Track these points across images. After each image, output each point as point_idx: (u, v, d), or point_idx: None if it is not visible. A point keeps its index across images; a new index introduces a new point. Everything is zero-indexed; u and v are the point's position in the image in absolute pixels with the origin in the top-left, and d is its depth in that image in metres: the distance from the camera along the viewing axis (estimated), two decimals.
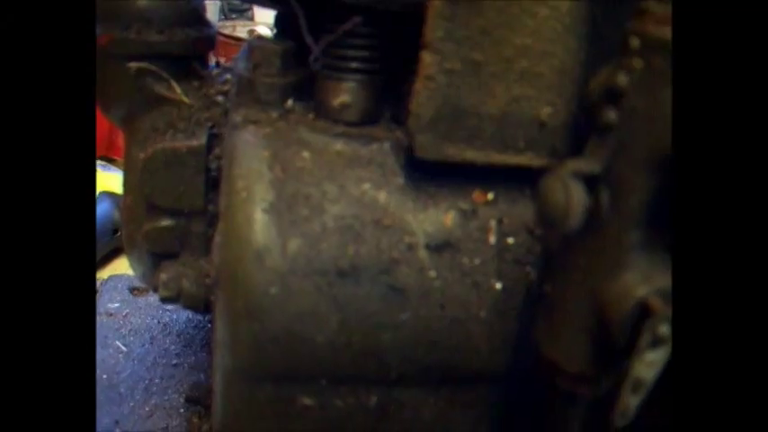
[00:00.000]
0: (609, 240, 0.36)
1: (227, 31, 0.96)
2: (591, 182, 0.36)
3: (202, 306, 0.51)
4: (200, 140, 0.48)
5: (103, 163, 0.93)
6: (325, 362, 0.44)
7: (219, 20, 1.09)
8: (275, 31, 0.52)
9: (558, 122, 0.43)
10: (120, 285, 0.74)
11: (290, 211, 0.42)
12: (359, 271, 0.42)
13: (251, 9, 1.13)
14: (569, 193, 0.35)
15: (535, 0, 0.40)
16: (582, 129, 0.42)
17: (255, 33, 0.98)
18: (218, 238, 0.45)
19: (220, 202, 0.45)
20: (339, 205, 0.43)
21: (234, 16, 1.13)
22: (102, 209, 0.83)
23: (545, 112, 0.42)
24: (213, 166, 0.49)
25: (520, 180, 0.45)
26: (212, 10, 1.00)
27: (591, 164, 0.36)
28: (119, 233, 0.83)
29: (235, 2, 1.12)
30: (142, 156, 0.48)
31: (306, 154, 0.43)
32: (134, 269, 0.55)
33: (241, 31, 1.00)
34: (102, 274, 0.82)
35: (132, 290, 0.73)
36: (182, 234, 0.50)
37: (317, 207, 0.42)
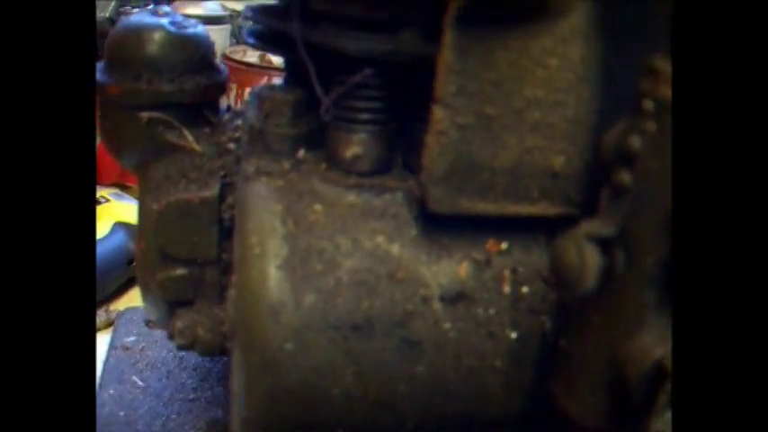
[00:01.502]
0: (625, 300, 0.36)
1: (237, 57, 0.96)
2: (606, 243, 0.36)
3: (217, 353, 0.51)
4: (212, 191, 0.48)
5: (117, 191, 0.93)
6: (341, 413, 0.44)
7: (230, 44, 1.09)
8: (285, 74, 0.52)
9: (572, 171, 0.42)
10: (135, 318, 0.75)
11: (303, 267, 0.42)
12: (373, 325, 0.42)
13: None
14: (584, 256, 0.35)
15: (546, 51, 0.40)
16: (596, 177, 0.42)
17: (266, 58, 0.98)
18: (232, 292, 0.45)
19: (234, 256, 0.45)
20: (353, 259, 0.42)
21: (244, 40, 1.13)
22: (117, 240, 0.83)
23: (558, 161, 0.42)
24: (226, 215, 0.49)
25: (534, 228, 0.44)
26: (222, 35, 1.00)
27: (605, 226, 0.35)
28: (133, 263, 0.83)
29: (245, 25, 1.12)
30: (156, 207, 0.48)
31: (318, 207, 0.43)
32: (149, 314, 0.55)
33: (252, 55, 0.99)
34: (118, 305, 0.83)
35: (148, 322, 0.74)
36: (196, 283, 0.50)
37: (331, 261, 0.42)
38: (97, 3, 1.08)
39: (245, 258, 0.42)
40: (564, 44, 0.40)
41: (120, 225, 0.84)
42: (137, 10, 0.94)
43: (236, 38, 1.11)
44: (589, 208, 0.43)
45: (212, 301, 0.51)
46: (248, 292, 0.42)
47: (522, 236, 0.45)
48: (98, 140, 0.93)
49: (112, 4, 1.03)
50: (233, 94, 0.96)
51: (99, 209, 0.88)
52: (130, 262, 0.83)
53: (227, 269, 0.50)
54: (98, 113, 0.52)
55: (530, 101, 0.41)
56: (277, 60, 0.99)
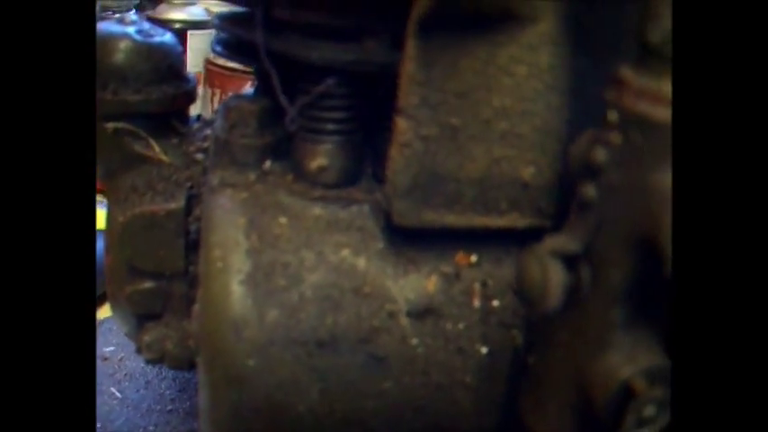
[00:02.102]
0: (591, 318, 0.35)
1: (220, 62, 0.95)
2: (571, 259, 0.35)
3: (187, 367, 0.50)
4: (178, 203, 0.47)
5: (99, 199, 0.92)
6: (307, 430, 0.43)
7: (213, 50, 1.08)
8: (254, 84, 0.51)
9: (542, 182, 0.41)
10: (115, 327, 0.73)
11: (267, 282, 0.41)
12: (338, 341, 0.41)
13: None
14: (547, 274, 0.34)
15: (513, 59, 0.39)
16: (567, 188, 0.41)
17: None
18: (197, 306, 0.44)
19: (199, 269, 0.44)
20: (317, 273, 0.41)
21: None
22: (98, 248, 0.82)
23: (528, 172, 0.41)
24: (193, 228, 0.48)
25: (504, 240, 0.43)
26: (206, 40, 0.99)
27: (570, 242, 0.34)
28: None
29: None
30: (121, 219, 0.47)
31: (283, 220, 0.42)
32: (120, 327, 0.54)
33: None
34: (99, 315, 0.82)
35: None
36: (163, 296, 0.49)
37: (295, 276, 0.41)
38: None
39: (209, 273, 0.41)
40: (532, 52, 0.39)
41: (100, 233, 0.83)
42: (117, 15, 0.93)
43: None
44: (561, 219, 0.42)
45: (181, 315, 0.50)
46: (211, 308, 0.41)
47: (492, 248, 0.43)
48: None
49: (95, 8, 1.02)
50: (216, 99, 0.95)
51: None
52: None
53: (194, 282, 0.49)
54: None
55: (497, 110, 0.40)
56: None
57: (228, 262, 0.41)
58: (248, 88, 0.89)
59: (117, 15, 0.93)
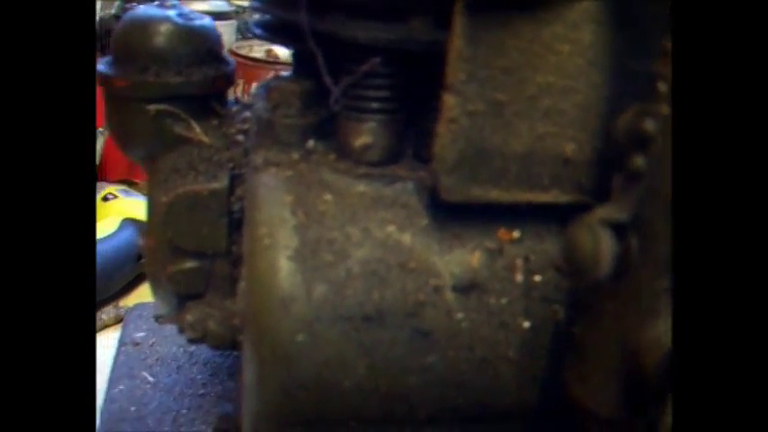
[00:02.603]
0: (639, 287, 0.36)
1: (243, 52, 0.95)
2: (619, 229, 0.35)
3: (229, 346, 0.51)
4: (221, 183, 0.48)
5: (124, 188, 0.93)
6: (353, 405, 0.44)
7: (236, 40, 1.08)
8: (293, 65, 0.52)
9: (583, 158, 0.42)
10: (145, 313, 0.75)
11: (314, 257, 0.42)
12: (385, 316, 0.42)
13: None
14: (598, 242, 0.35)
15: (557, 37, 0.40)
16: (607, 164, 0.42)
17: (272, 53, 0.97)
18: (242, 284, 0.45)
19: (244, 247, 0.44)
20: (363, 249, 0.42)
21: (250, 36, 1.12)
22: (126, 236, 0.83)
23: (569, 148, 0.42)
24: (236, 207, 0.48)
25: (546, 216, 0.44)
26: (229, 30, 1.00)
27: (619, 211, 0.35)
28: (142, 260, 0.83)
29: (251, 21, 1.11)
30: (164, 200, 0.48)
31: (328, 197, 0.43)
32: (160, 308, 0.55)
33: (258, 50, 0.99)
34: (128, 302, 0.83)
35: (158, 318, 0.74)
36: (206, 275, 0.50)
37: (342, 252, 0.42)
38: (103, 0, 1.08)
39: (255, 250, 0.42)
40: (575, 30, 0.40)
41: (128, 221, 0.84)
42: (143, 6, 0.94)
43: (242, 33, 1.11)
44: (600, 195, 0.42)
45: (223, 294, 0.50)
46: (258, 284, 0.42)
47: (533, 224, 0.44)
48: (106, 137, 0.94)
49: (118, 0, 1.03)
50: (239, 89, 0.96)
51: (107, 205, 0.88)
52: (139, 258, 0.83)
53: (237, 261, 0.50)
54: (105, 107, 0.52)
55: (541, 87, 0.40)
56: (283, 55, 0.99)
57: (275, 238, 0.42)
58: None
59: (142, 6, 0.94)
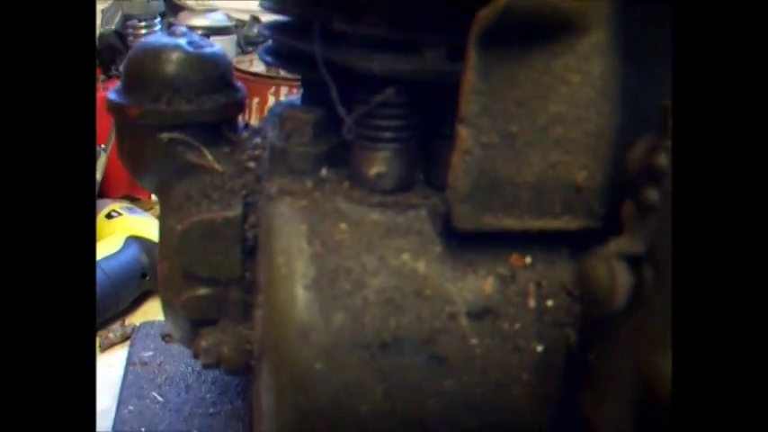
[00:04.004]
0: (653, 317, 0.36)
1: (243, 67, 0.96)
2: (634, 261, 0.36)
3: (242, 371, 0.51)
4: (235, 211, 0.48)
5: (128, 205, 0.93)
6: (370, 430, 0.44)
7: (237, 54, 1.09)
8: (302, 91, 0.53)
9: (594, 185, 0.43)
10: (152, 332, 0.75)
11: (331, 287, 0.42)
12: (401, 342, 0.43)
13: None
14: (614, 275, 0.36)
15: (568, 68, 0.41)
16: (617, 189, 0.42)
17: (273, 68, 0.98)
18: (259, 312, 0.45)
19: (260, 276, 0.45)
20: (379, 278, 0.43)
21: (250, 49, 1.12)
22: (131, 254, 0.83)
23: (581, 176, 0.43)
24: (249, 234, 0.49)
25: (556, 241, 0.45)
26: (229, 45, 1.00)
27: (634, 244, 0.36)
28: (147, 277, 0.84)
29: (251, 35, 1.12)
30: (179, 228, 0.49)
31: (343, 226, 0.44)
32: (173, 333, 0.55)
33: (258, 65, 1.00)
34: (134, 320, 0.83)
35: (164, 336, 0.74)
36: (219, 302, 0.50)
37: (358, 281, 0.43)
38: (103, 15, 1.08)
39: (273, 280, 0.43)
40: (586, 61, 0.41)
41: (132, 239, 0.84)
42: (143, 23, 0.94)
43: (242, 47, 1.11)
44: (610, 220, 0.43)
45: (236, 320, 0.51)
46: (277, 313, 0.42)
47: (544, 249, 0.45)
48: (110, 151, 0.94)
49: (118, 16, 1.03)
50: None
51: (111, 223, 0.88)
52: (144, 275, 0.83)
53: (250, 288, 0.50)
54: (116, 134, 0.52)
55: (553, 117, 0.41)
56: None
57: (293, 268, 0.42)
58: (271, 92, 0.91)
59: (143, 23, 0.94)
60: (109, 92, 0.52)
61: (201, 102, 0.50)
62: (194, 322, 0.51)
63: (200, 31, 1.02)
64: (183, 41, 0.50)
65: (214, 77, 0.51)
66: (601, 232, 0.43)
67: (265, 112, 0.96)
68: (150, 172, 0.51)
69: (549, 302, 0.45)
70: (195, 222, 0.48)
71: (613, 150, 0.42)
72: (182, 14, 1.06)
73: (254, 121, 0.91)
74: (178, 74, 0.49)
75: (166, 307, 0.53)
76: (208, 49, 0.51)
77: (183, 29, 0.52)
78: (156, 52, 0.50)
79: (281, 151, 0.46)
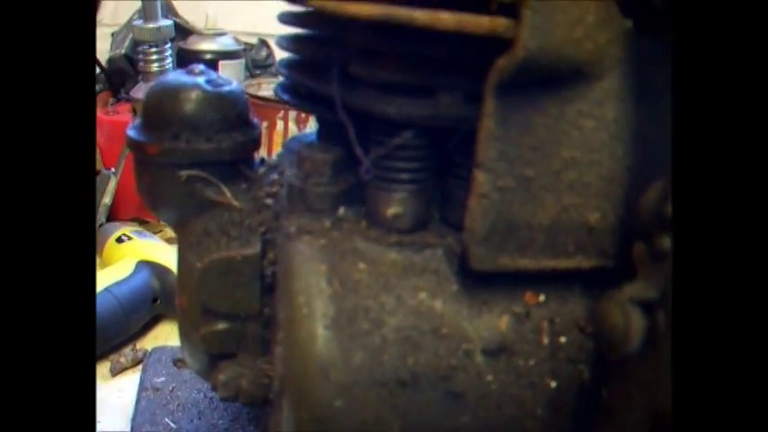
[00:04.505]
0: (666, 358, 0.37)
1: (252, 90, 0.96)
2: (648, 305, 0.37)
3: (260, 404, 0.52)
4: (254, 248, 0.49)
5: (138, 229, 0.94)
6: None
7: (245, 77, 1.10)
8: (318, 129, 0.54)
9: (607, 226, 0.44)
10: (164, 358, 0.76)
11: (350, 326, 0.43)
12: (419, 379, 0.44)
13: (274, 64, 1.15)
14: (629, 320, 0.37)
15: (581, 114, 0.42)
16: (628, 229, 0.44)
17: None
18: (279, 349, 0.46)
19: (280, 314, 0.46)
20: (397, 317, 0.44)
21: (258, 72, 1.14)
22: (141, 278, 0.84)
23: (594, 217, 0.44)
24: (268, 272, 0.50)
25: (569, 280, 0.46)
26: (237, 69, 1.01)
27: (648, 290, 0.37)
28: (158, 301, 0.85)
29: (259, 58, 1.13)
30: (199, 265, 0.50)
31: (362, 265, 0.45)
32: (190, 365, 0.56)
33: (267, 89, 1.01)
34: (145, 344, 0.84)
35: (176, 362, 0.75)
36: (238, 336, 0.51)
37: (377, 320, 0.44)
38: (113, 39, 1.10)
39: (294, 319, 0.44)
40: (599, 106, 0.42)
41: (143, 263, 0.85)
42: (154, 49, 0.95)
43: (250, 71, 1.12)
44: (622, 259, 0.44)
45: (255, 354, 0.52)
46: (298, 352, 0.43)
47: (557, 287, 0.46)
48: (121, 172, 0.95)
49: (128, 40, 1.04)
50: None
51: (122, 247, 0.89)
52: (155, 300, 0.84)
53: (268, 323, 0.51)
54: (135, 170, 0.53)
55: (566, 161, 0.42)
56: None
57: (313, 307, 0.43)
58: (280, 117, 0.92)
59: (154, 49, 0.95)
60: (128, 128, 0.53)
61: (220, 140, 0.50)
62: (213, 356, 0.52)
63: (209, 56, 1.03)
64: (201, 80, 0.51)
65: (232, 116, 0.52)
66: (612, 271, 0.44)
67: (274, 136, 0.98)
68: (169, 208, 0.52)
69: (563, 339, 0.46)
70: (215, 260, 0.49)
71: (625, 191, 0.43)
72: (191, 38, 1.07)
73: (261, 145, 0.92)
74: (197, 113, 0.50)
75: (184, 340, 0.54)
76: (226, 88, 0.52)
77: (201, 67, 0.53)
78: (175, 91, 0.51)
79: (299, 191, 0.47)
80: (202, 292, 0.50)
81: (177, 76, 0.53)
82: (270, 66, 1.13)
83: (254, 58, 1.13)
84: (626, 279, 0.40)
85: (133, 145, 0.52)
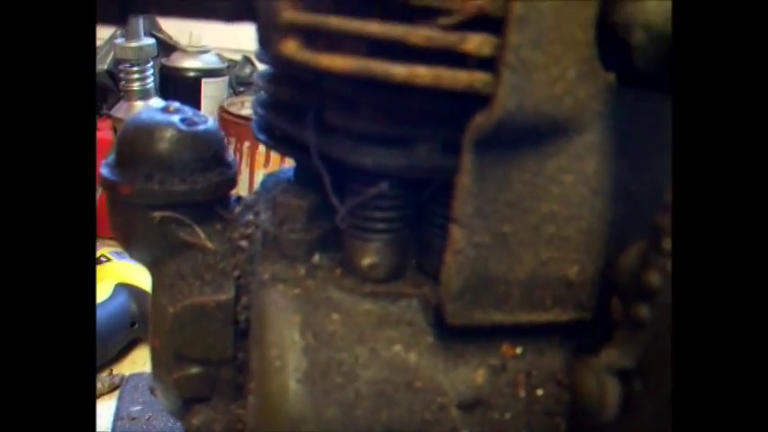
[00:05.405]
0: (643, 425, 0.37)
1: (235, 109, 0.95)
2: (624, 373, 0.37)
3: None
4: (227, 294, 0.49)
5: (116, 249, 0.93)
6: None
7: (228, 94, 1.09)
8: (295, 172, 0.53)
9: (585, 279, 0.43)
10: (140, 385, 0.75)
11: (323, 380, 0.42)
12: None
13: None
14: (604, 388, 0.36)
15: (561, 169, 0.41)
16: (606, 282, 0.43)
17: None
18: (251, 399, 0.45)
19: (252, 365, 0.45)
20: (371, 370, 0.43)
21: (242, 89, 1.12)
22: (119, 302, 0.83)
23: (573, 271, 0.43)
24: (241, 317, 0.49)
25: (546, 332, 0.45)
26: (221, 87, 1.00)
27: (624, 358, 0.36)
28: (136, 325, 0.84)
29: (243, 75, 1.11)
30: (171, 310, 0.49)
31: (336, 316, 0.44)
32: (164, 405, 0.55)
33: (250, 107, 1.00)
34: (122, 368, 0.83)
35: (153, 390, 0.74)
36: (211, 381, 0.50)
37: (350, 373, 0.43)
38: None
39: (266, 371, 0.43)
40: (579, 161, 0.41)
41: (121, 286, 0.84)
42: (135, 68, 0.94)
43: (234, 88, 1.11)
44: (598, 310, 0.44)
45: (228, 398, 0.51)
46: (270, 405, 0.43)
47: (535, 339, 0.45)
48: (99, 194, 0.94)
49: (110, 57, 1.03)
50: (231, 147, 0.96)
51: (100, 269, 0.88)
52: (133, 324, 0.83)
53: (242, 368, 0.50)
54: (108, 209, 0.52)
55: (545, 216, 0.42)
56: None
57: (285, 361, 0.43)
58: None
59: (135, 68, 0.94)
60: (101, 165, 0.51)
61: (195, 181, 0.49)
62: (186, 399, 0.51)
63: (192, 73, 1.02)
64: (176, 119, 0.50)
65: (208, 156, 0.50)
66: (590, 323, 0.44)
67: (256, 156, 0.97)
68: (142, 248, 0.51)
69: (540, 392, 0.45)
70: (188, 306, 0.48)
71: (604, 244, 0.43)
72: (174, 55, 1.05)
73: (244, 165, 0.91)
74: (171, 153, 0.49)
75: (158, 382, 0.53)
76: (201, 127, 0.51)
77: (176, 104, 0.52)
78: (149, 130, 0.50)
79: (273, 237, 0.47)
80: (175, 338, 0.49)
81: (151, 114, 0.51)
82: (252, 84, 1.12)
83: (238, 75, 1.12)
84: (603, 331, 0.40)
85: (106, 184, 0.50)
